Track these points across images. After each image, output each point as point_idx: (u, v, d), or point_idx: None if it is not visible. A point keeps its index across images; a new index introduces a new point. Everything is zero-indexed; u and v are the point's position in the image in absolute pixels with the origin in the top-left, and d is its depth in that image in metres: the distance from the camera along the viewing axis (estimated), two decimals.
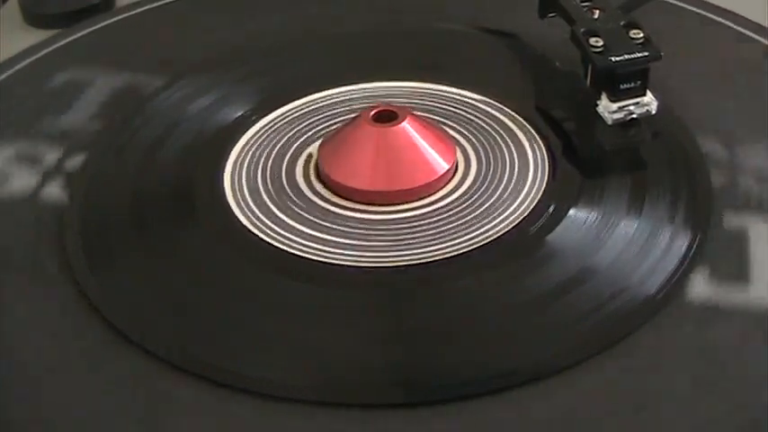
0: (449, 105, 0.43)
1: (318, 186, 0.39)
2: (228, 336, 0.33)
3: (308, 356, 0.32)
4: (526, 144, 0.40)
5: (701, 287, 0.34)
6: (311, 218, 0.37)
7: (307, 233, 0.36)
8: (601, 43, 0.39)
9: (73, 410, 0.31)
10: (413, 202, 0.37)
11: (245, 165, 0.40)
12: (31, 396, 0.31)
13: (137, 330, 0.33)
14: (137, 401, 0.31)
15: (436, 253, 0.35)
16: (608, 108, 0.39)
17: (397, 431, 0.30)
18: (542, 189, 0.38)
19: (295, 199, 0.38)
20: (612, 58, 0.38)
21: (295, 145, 0.41)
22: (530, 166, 0.39)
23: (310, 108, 0.43)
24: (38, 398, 0.31)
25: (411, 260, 0.35)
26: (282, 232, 0.36)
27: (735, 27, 0.47)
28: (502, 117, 0.42)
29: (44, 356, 0.33)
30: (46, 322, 0.34)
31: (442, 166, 0.38)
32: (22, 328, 0.34)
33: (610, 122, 0.39)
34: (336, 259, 0.35)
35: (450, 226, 0.36)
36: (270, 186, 0.39)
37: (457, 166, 0.39)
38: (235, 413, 0.30)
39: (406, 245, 0.35)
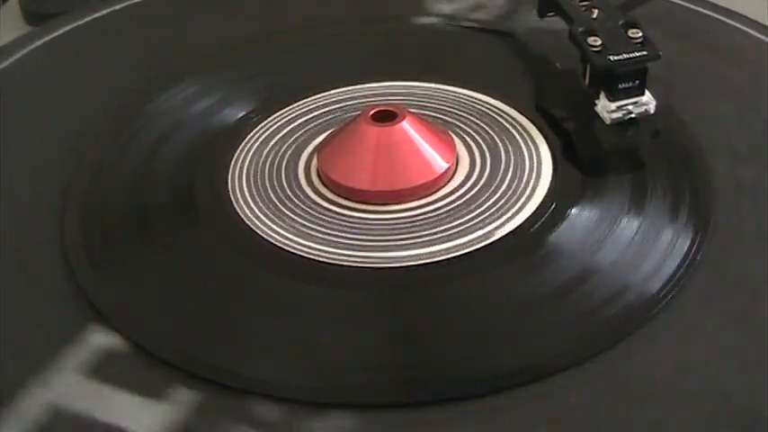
0: (448, 105, 0.43)
1: (319, 186, 0.39)
2: (229, 336, 0.33)
3: (308, 356, 0.32)
4: (526, 144, 0.40)
5: (702, 287, 0.34)
6: (311, 218, 0.37)
7: (307, 233, 0.36)
8: (599, 43, 0.39)
9: (71, 410, 0.31)
10: (413, 201, 0.37)
11: (246, 165, 0.40)
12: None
13: (137, 330, 0.33)
14: (136, 401, 0.31)
15: (436, 253, 0.35)
16: (606, 108, 0.38)
17: (397, 431, 0.30)
18: (543, 189, 0.38)
19: (295, 199, 0.38)
20: (611, 58, 0.38)
21: (295, 145, 0.41)
22: (530, 166, 0.39)
23: (311, 108, 0.43)
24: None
25: (411, 260, 0.35)
26: (283, 232, 0.36)
27: (736, 25, 0.47)
28: (502, 117, 0.42)
29: (44, 356, 0.33)
30: (46, 322, 0.34)
31: (442, 165, 0.38)
32: (22, 328, 0.34)
33: (608, 122, 0.38)
34: (336, 259, 0.35)
35: (450, 226, 0.36)
36: (270, 186, 0.39)
37: (456, 166, 0.39)
38: (235, 413, 0.30)
39: (405, 245, 0.35)
